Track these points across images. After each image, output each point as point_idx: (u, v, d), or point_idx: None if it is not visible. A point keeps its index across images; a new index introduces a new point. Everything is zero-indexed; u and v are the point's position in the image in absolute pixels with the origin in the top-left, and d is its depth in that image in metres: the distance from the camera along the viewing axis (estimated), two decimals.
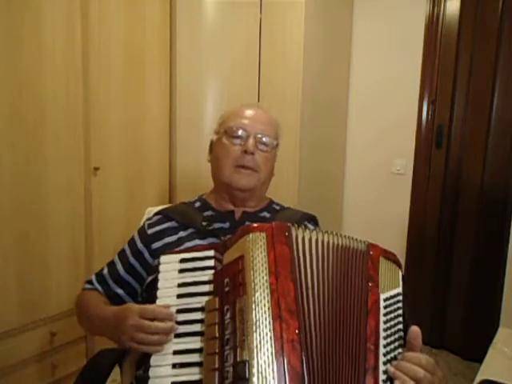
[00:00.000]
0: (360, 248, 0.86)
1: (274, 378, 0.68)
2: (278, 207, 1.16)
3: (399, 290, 0.84)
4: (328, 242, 0.84)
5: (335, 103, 2.58)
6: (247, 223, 1.01)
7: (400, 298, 0.84)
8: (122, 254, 1.09)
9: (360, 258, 0.85)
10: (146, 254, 1.04)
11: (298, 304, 0.75)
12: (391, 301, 0.82)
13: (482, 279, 2.30)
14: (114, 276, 1.07)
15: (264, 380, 0.68)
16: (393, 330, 0.79)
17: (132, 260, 1.06)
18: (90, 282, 1.09)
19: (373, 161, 2.66)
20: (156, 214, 1.12)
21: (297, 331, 0.72)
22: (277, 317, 0.72)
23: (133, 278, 1.06)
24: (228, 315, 0.76)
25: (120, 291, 1.05)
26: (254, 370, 0.68)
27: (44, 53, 1.62)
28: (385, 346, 0.76)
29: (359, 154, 2.71)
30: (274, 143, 1.10)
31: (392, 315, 0.81)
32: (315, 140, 2.37)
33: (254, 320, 0.72)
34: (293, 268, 0.78)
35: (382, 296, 0.81)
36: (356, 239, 0.87)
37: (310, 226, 1.10)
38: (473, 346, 2.25)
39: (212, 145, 1.14)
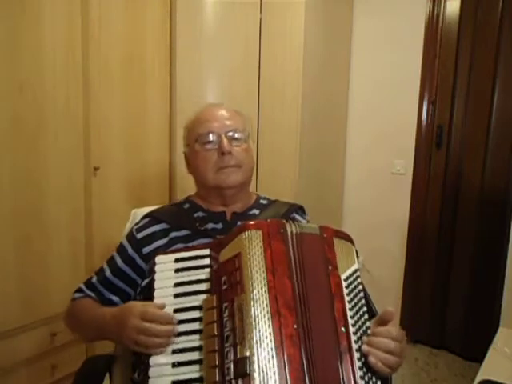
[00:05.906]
0: (314, 232, 0.87)
1: (274, 373, 0.69)
2: (265, 201, 1.15)
3: (356, 266, 0.87)
4: (308, 234, 0.86)
5: (335, 103, 2.58)
6: (238, 223, 1.01)
7: (358, 273, 0.86)
8: (111, 262, 1.06)
9: (317, 242, 0.86)
10: (138, 260, 1.02)
11: (295, 300, 0.76)
12: (351, 279, 0.84)
13: (482, 279, 2.30)
14: (105, 283, 1.04)
15: (265, 375, 0.69)
16: (357, 306, 0.82)
17: (123, 266, 1.03)
18: (79, 290, 1.06)
19: (373, 161, 2.66)
20: (144, 217, 1.09)
21: (295, 326, 0.73)
22: (275, 313, 0.73)
23: (125, 284, 1.03)
24: (226, 313, 0.76)
25: (115, 298, 1.03)
26: (255, 366, 0.69)
27: (44, 52, 1.62)
28: (353, 325, 0.79)
29: (359, 154, 2.71)
30: (246, 134, 1.09)
31: (354, 292, 0.83)
32: (315, 140, 2.37)
33: (253, 317, 0.72)
34: (290, 264, 0.80)
35: (342, 277, 0.83)
36: (308, 225, 0.90)
37: (298, 217, 1.12)
38: (473, 346, 2.25)
39: (187, 157, 1.13)
